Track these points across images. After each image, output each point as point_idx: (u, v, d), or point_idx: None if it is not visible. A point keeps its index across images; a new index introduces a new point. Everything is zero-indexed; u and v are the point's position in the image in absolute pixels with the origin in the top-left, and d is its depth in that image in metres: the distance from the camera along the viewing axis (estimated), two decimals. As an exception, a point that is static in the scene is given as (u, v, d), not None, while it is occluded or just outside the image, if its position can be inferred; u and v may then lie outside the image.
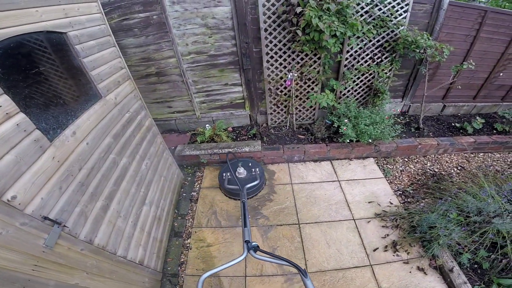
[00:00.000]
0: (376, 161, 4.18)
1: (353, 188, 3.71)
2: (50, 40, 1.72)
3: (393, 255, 2.88)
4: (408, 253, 2.89)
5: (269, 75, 4.04)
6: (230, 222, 3.19)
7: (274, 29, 3.55)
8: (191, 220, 3.23)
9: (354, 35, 3.60)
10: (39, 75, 1.65)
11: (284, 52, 3.79)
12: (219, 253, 2.92)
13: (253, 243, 1.77)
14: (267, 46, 3.69)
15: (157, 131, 3.05)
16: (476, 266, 2.73)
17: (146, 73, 4.09)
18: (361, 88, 4.47)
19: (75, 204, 1.66)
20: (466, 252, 2.72)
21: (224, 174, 3.62)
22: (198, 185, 3.59)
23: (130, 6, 3.42)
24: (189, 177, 3.73)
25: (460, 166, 4.14)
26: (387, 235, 3.10)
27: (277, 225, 3.20)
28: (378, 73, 4.22)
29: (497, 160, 4.29)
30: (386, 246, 2.98)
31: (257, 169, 3.69)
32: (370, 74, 4.28)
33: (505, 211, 2.70)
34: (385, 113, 4.14)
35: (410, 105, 5.00)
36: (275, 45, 3.72)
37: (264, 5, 3.33)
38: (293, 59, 3.88)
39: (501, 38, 4.37)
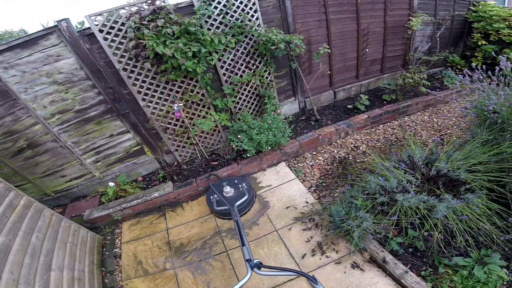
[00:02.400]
0: (287, 164, 4.15)
1: (270, 198, 3.59)
2: None
3: (323, 258, 2.74)
4: (337, 252, 2.77)
5: (153, 113, 3.80)
6: (157, 268, 3.03)
7: (135, 66, 3.35)
8: (120, 274, 3.09)
9: (216, 50, 3.57)
10: None
11: (158, 86, 3.61)
12: (155, 298, 2.73)
13: (255, 261, 1.75)
14: (134, 85, 3.46)
15: (42, 206, 2.92)
16: (411, 249, 2.60)
17: (18, 148, 3.54)
18: (253, 98, 4.49)
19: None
20: (394, 237, 2.62)
21: (212, 197, 3.54)
22: (119, 242, 3.46)
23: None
24: (109, 236, 3.58)
25: (365, 143, 4.33)
26: (311, 237, 2.98)
27: (203, 259, 3.02)
28: (260, 80, 4.28)
29: (396, 128, 4.62)
30: (313, 250, 2.84)
31: (244, 184, 3.62)
32: (254, 83, 4.31)
33: (407, 183, 2.62)
34: (280, 116, 4.18)
35: (304, 101, 5.19)
36: (144, 82, 3.51)
37: (110, 46, 3.13)
38: (171, 90, 3.71)
39: (349, 16, 4.75)
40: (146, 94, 3.62)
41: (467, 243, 2.39)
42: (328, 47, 4.10)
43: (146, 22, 2.86)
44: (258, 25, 3.94)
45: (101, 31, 3.08)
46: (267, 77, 4.37)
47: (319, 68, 4.81)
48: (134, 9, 3.06)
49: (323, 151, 4.30)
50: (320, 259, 2.73)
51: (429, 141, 4.08)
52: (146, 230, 3.53)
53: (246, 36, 3.94)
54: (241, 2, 3.72)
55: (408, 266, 2.44)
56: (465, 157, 2.70)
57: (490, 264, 2.23)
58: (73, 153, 3.82)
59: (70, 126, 3.61)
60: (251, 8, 3.83)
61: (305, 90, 4.81)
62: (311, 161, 4.13)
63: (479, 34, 6.20)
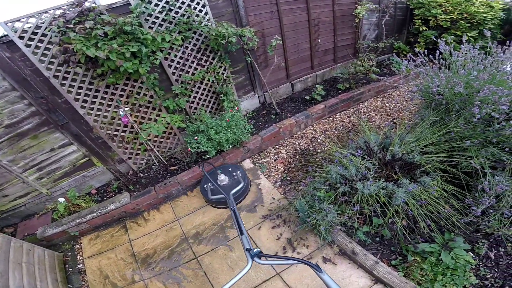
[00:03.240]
0: (252, 160, 4.07)
1: (237, 198, 3.50)
2: None
3: (294, 255, 2.72)
4: (307, 247, 2.76)
5: (96, 121, 3.45)
6: (126, 281, 2.92)
7: (67, 72, 2.99)
8: None
9: (160, 48, 3.33)
10: None
11: (97, 91, 3.27)
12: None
13: (255, 250, 1.65)
14: (70, 92, 3.10)
15: None
16: (378, 238, 2.65)
17: None
18: (209, 96, 4.30)
19: None
20: (360, 226, 2.64)
21: (206, 186, 3.49)
22: (81, 257, 3.32)
23: None
24: (69, 252, 3.42)
25: (324, 133, 4.36)
26: (280, 234, 2.95)
27: (172, 268, 2.92)
28: (215, 76, 4.11)
29: (352, 115, 4.72)
30: (284, 247, 2.81)
31: (238, 172, 3.57)
32: (209, 80, 4.11)
33: (366, 170, 2.64)
34: (239, 113, 4.05)
35: (264, 95, 5.12)
36: (80, 88, 3.16)
37: (35, 53, 2.76)
38: (113, 94, 3.40)
39: (299, 6, 4.73)
40: (85, 101, 3.27)
41: (430, 228, 2.47)
42: (280, 38, 4.03)
43: (72, 25, 2.55)
44: (207, 20, 3.74)
45: (21, 37, 2.70)
46: (222, 73, 4.20)
47: (274, 60, 4.73)
48: (58, 12, 2.73)
49: (285, 144, 4.27)
50: (292, 255, 2.71)
51: (383, 125, 4.21)
52: (108, 244, 3.36)
53: (195, 32, 3.72)
54: (186, -2, 3.49)
55: (378, 256, 2.49)
56: (417, 139, 2.80)
57: (456, 249, 2.31)
58: (11, 172, 3.40)
59: (2, 144, 3.19)
60: (198, 3, 3.61)
61: (263, 84, 4.73)
62: (274, 156, 4.09)
63: (420, 20, 6.46)
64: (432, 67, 3.07)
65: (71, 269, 3.18)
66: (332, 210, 2.59)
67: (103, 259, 3.18)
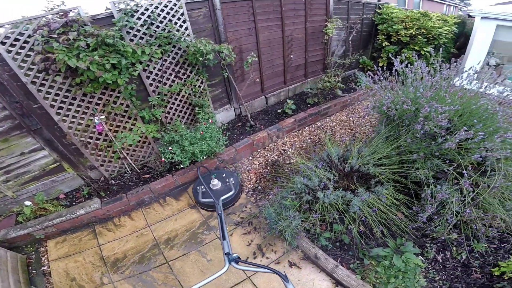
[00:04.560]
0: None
1: (210, 207, 3.64)
2: None
3: (263, 259, 2.90)
4: (275, 252, 2.95)
5: (70, 127, 3.48)
6: (95, 283, 2.93)
7: (45, 79, 3.04)
8: None
9: (140, 61, 3.47)
10: None
11: (74, 99, 3.33)
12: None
13: (233, 255, 1.80)
14: (46, 98, 3.14)
15: None
16: (338, 243, 2.86)
17: None
18: (185, 108, 4.44)
19: None
20: (323, 232, 2.85)
21: (198, 188, 3.59)
22: (45, 260, 3.27)
23: None
24: (33, 254, 3.37)
25: (294, 145, 4.64)
26: (251, 240, 3.12)
27: (143, 272, 3.00)
28: (192, 89, 4.27)
29: (319, 129, 5.05)
30: (254, 253, 2.98)
31: (232, 179, 3.69)
32: (186, 92, 4.27)
33: (327, 180, 2.89)
34: (214, 125, 4.22)
35: (240, 107, 5.34)
36: (57, 95, 3.20)
37: (15, 59, 2.81)
38: (90, 102, 3.46)
39: (275, 23, 5.05)
40: (60, 108, 3.31)
41: (383, 234, 2.73)
42: (255, 55, 4.30)
43: (56, 35, 2.64)
44: (187, 35, 3.92)
45: (3, 43, 2.74)
46: (199, 86, 4.38)
47: (250, 75, 4.99)
48: (43, 20, 2.80)
49: (258, 156, 4.50)
50: (261, 261, 2.89)
51: (346, 138, 4.57)
52: (76, 247, 3.35)
53: (174, 46, 3.88)
54: (167, 13, 3.66)
55: (338, 260, 2.71)
56: (372, 152, 3.12)
57: (406, 253, 2.53)
58: (-24, 175, 3.31)
59: (-31, 146, 3.12)
60: (179, 19, 3.80)
61: (239, 97, 4.97)
62: (247, 166, 4.29)
63: (383, 36, 6.82)
64: (390, 82, 3.36)
65: (34, 271, 3.16)
66: (297, 218, 2.82)
67: (70, 262, 3.18)
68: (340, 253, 2.80)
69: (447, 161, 2.68)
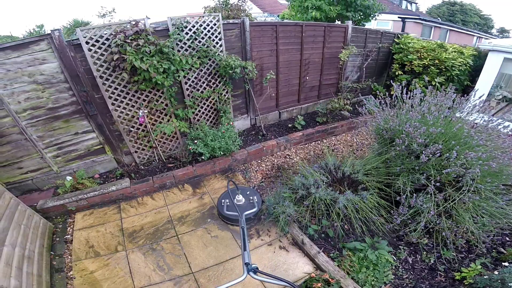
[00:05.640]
0: (237, 168, 4.90)
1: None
2: None
3: (258, 240, 3.43)
4: (269, 236, 3.48)
5: (119, 116, 4.26)
6: (110, 250, 3.29)
7: (110, 75, 3.87)
8: (69, 257, 3.29)
9: (182, 68, 4.25)
10: None
11: (127, 93, 4.13)
12: (104, 276, 3.03)
13: (252, 265, 1.83)
14: (107, 90, 3.95)
15: (3, 189, 3.16)
16: (323, 235, 3.31)
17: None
18: (210, 112, 5.20)
19: None
20: (312, 225, 3.35)
21: (223, 201, 3.76)
22: (71, 229, 3.64)
23: None
24: (60, 224, 3.75)
25: (299, 155, 5.28)
26: (252, 225, 3.68)
27: (154, 242, 3.44)
28: (218, 97, 5.03)
29: (324, 145, 5.65)
30: (251, 235, 3.53)
31: (255, 197, 3.87)
32: (213, 98, 5.04)
33: (321, 181, 3.47)
34: (233, 128, 4.94)
35: (255, 118, 6.05)
36: (116, 88, 4.01)
37: (93, 56, 3.66)
38: (139, 98, 4.25)
39: (294, 47, 5.75)
40: (116, 100, 4.11)
41: (363, 232, 3.22)
42: (274, 73, 5.03)
43: (129, 41, 3.44)
44: (221, 51, 4.72)
45: (87, 43, 3.59)
46: (225, 95, 5.15)
47: (267, 91, 5.72)
48: (119, 28, 3.63)
49: (266, 160, 5.15)
50: (257, 241, 3.43)
51: (346, 156, 5.17)
52: (100, 220, 3.80)
53: (210, 59, 4.68)
54: (208, 31, 4.47)
55: (321, 249, 3.15)
56: (364, 164, 3.73)
57: (380, 249, 2.95)
58: (36, 146, 4.02)
59: (39, 122, 3.89)
60: (216, 36, 4.61)
61: (256, 109, 5.68)
62: (256, 167, 4.94)
63: (397, 65, 6.98)
64: (391, 108, 3.70)
65: (57, 239, 3.53)
66: (292, 206, 3.41)
67: (92, 232, 3.60)
68: (323, 244, 3.25)
69: (428, 177, 3.02)
